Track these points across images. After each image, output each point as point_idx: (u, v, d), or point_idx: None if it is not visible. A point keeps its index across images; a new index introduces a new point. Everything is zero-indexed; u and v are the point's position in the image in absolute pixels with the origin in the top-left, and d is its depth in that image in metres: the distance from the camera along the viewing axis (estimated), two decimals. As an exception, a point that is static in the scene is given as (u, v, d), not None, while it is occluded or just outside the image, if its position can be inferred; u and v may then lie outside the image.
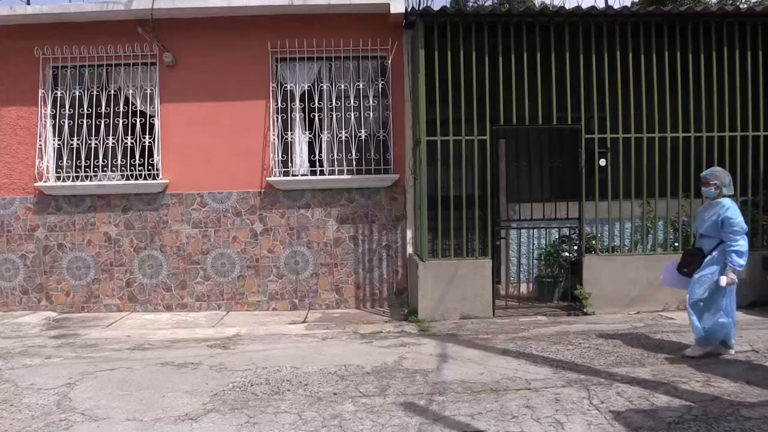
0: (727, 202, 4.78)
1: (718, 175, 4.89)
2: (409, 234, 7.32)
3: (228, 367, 4.83)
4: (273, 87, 7.32)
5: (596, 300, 6.52)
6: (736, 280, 4.69)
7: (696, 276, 4.85)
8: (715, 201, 4.86)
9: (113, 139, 7.27)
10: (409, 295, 7.20)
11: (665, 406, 3.73)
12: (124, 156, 7.32)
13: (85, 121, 7.29)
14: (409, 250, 7.29)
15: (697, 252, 4.90)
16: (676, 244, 6.87)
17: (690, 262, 4.90)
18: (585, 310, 6.46)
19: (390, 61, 7.31)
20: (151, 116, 7.35)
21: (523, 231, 7.41)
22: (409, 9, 6.93)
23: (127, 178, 7.33)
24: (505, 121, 6.76)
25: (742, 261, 4.64)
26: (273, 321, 6.72)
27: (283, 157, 7.34)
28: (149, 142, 7.33)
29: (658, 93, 6.69)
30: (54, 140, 7.38)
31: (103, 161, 7.28)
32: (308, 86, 7.36)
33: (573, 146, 6.76)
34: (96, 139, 7.29)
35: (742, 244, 4.63)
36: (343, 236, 7.35)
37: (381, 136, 7.38)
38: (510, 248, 7.52)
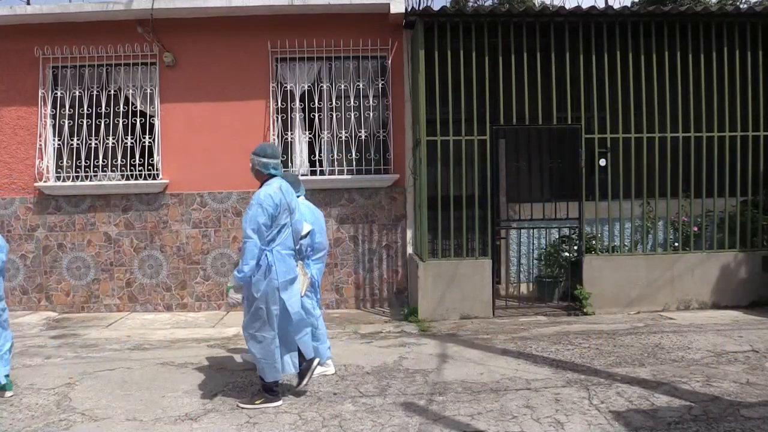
0: None
1: None
2: (409, 234, 7.31)
3: (228, 367, 4.83)
4: (273, 87, 7.32)
5: (596, 300, 6.52)
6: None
7: None
8: None
9: (113, 139, 7.27)
10: (409, 295, 7.19)
11: (665, 406, 3.73)
12: (124, 156, 7.32)
13: (85, 121, 7.29)
14: (409, 250, 7.29)
15: None
16: (676, 243, 6.88)
17: None
18: (585, 310, 6.45)
19: (390, 61, 7.31)
20: (151, 116, 7.35)
21: (523, 231, 7.40)
22: (409, 9, 6.93)
23: (127, 178, 7.32)
24: (505, 121, 6.76)
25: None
26: (273, 321, 6.71)
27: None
28: (149, 142, 7.33)
29: (658, 93, 6.69)
30: (54, 140, 7.38)
31: (103, 161, 7.29)
32: (308, 86, 7.36)
33: (573, 146, 6.76)
34: (96, 139, 7.29)
35: None
36: (343, 236, 7.35)
37: (381, 136, 7.37)
38: (510, 248, 7.51)
